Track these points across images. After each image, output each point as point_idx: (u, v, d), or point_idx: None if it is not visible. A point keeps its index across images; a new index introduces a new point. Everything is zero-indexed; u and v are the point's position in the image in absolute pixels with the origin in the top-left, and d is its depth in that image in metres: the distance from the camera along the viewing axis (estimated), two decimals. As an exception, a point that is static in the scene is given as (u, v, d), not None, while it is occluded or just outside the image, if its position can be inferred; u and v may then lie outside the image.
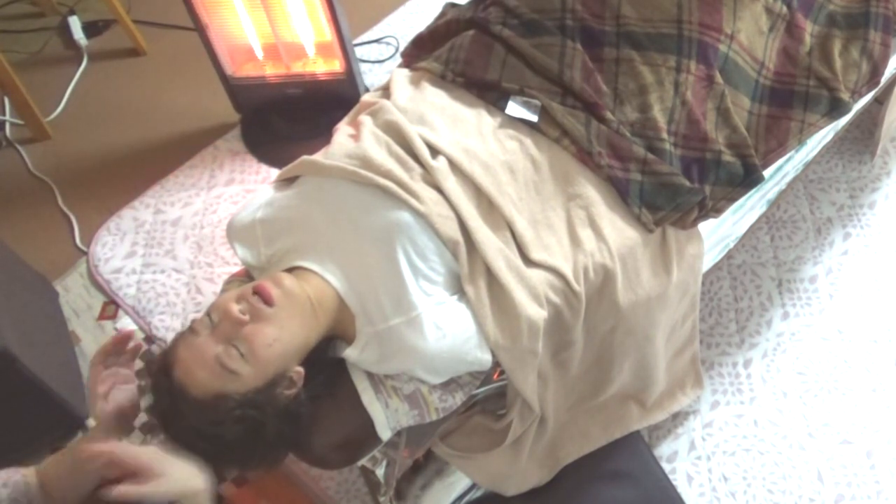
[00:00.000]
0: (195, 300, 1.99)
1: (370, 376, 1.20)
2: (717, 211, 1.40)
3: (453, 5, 1.64)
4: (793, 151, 1.52)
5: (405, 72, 1.49)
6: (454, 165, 1.27)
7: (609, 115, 1.38)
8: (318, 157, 1.30)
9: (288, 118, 2.25)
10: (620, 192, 1.34)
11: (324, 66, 2.16)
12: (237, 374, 1.07)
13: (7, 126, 2.45)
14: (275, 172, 2.17)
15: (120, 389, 1.12)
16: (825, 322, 1.85)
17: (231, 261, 2.04)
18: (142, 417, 1.11)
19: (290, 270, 1.20)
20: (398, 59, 2.09)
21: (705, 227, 1.43)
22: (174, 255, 2.08)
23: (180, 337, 1.13)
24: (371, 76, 2.44)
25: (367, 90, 2.24)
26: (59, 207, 2.23)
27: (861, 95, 1.55)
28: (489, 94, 1.39)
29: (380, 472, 1.32)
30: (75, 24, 2.66)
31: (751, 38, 1.49)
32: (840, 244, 1.98)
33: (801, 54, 1.53)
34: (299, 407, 1.14)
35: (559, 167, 1.34)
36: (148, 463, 1.02)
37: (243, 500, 1.52)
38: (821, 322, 1.85)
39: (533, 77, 1.40)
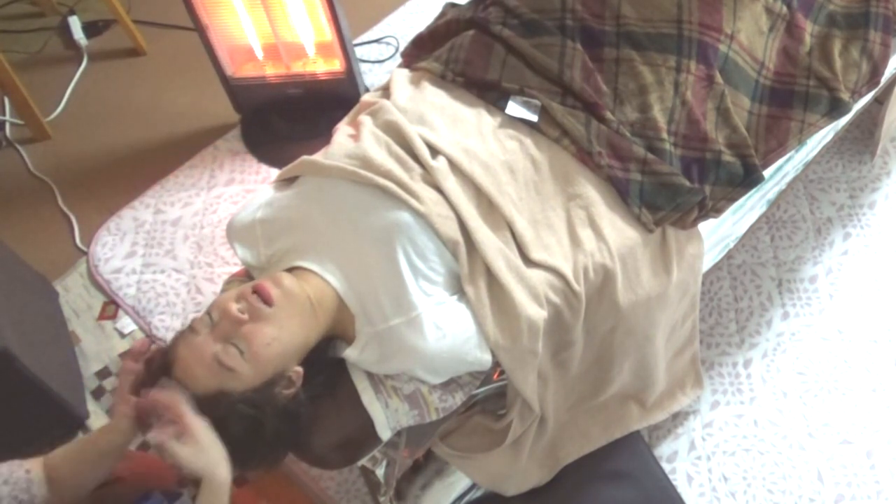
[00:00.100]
0: (195, 300, 1.99)
1: (370, 376, 1.20)
2: (717, 211, 1.40)
3: (453, 5, 1.64)
4: (793, 151, 1.52)
5: (405, 72, 1.49)
6: (454, 165, 1.27)
7: (609, 115, 1.38)
8: (317, 157, 1.30)
9: (288, 118, 2.25)
10: (620, 192, 1.34)
11: (324, 66, 2.16)
12: (235, 373, 1.07)
13: (7, 126, 2.45)
14: (275, 172, 2.17)
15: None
16: (825, 322, 1.85)
17: (231, 261, 2.05)
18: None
19: (290, 270, 1.20)
20: (398, 59, 2.09)
21: (705, 227, 1.43)
22: (174, 255, 2.08)
23: (180, 336, 1.13)
24: (371, 76, 2.44)
25: (367, 90, 2.24)
26: (59, 207, 2.23)
27: (861, 95, 1.55)
28: (489, 94, 1.39)
29: (380, 472, 1.32)
30: (75, 24, 2.66)
31: (751, 38, 1.49)
32: (840, 244, 1.98)
33: (801, 54, 1.53)
34: (298, 407, 1.14)
35: (559, 167, 1.34)
36: (197, 430, 1.04)
37: (243, 500, 1.53)
38: (821, 322, 1.85)
39: (533, 77, 1.40)
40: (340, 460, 1.22)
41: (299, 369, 1.15)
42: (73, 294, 2.04)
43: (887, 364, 1.78)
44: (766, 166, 1.46)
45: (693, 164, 1.40)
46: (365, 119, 1.35)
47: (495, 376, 1.33)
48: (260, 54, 2.15)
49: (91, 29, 2.68)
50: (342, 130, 1.37)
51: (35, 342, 1.71)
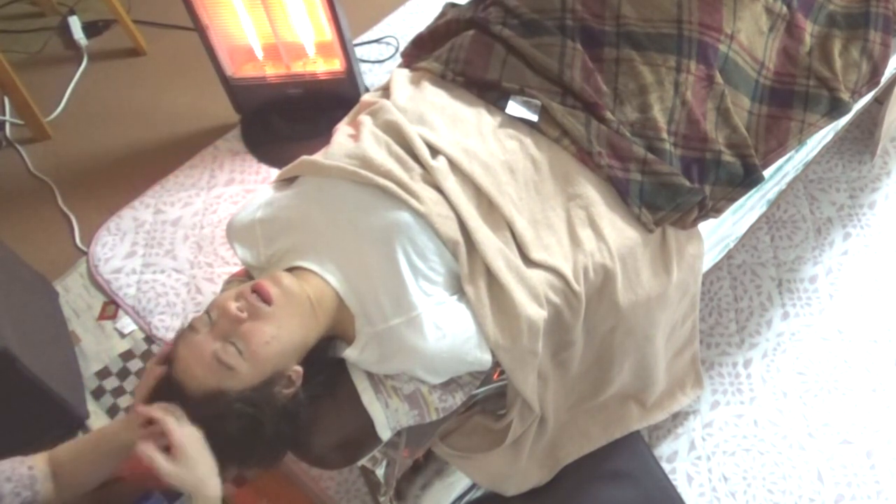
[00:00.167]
0: (195, 300, 1.99)
1: (370, 376, 1.20)
2: (717, 211, 1.40)
3: (453, 5, 1.64)
4: (793, 151, 1.52)
5: (405, 72, 1.49)
6: (454, 165, 1.27)
7: (609, 115, 1.38)
8: (317, 157, 1.30)
9: (288, 118, 2.25)
10: (620, 192, 1.34)
11: (324, 66, 2.16)
12: (234, 371, 1.07)
13: (7, 126, 2.45)
14: (275, 172, 2.17)
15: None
16: (825, 322, 1.85)
17: (231, 261, 2.05)
18: None
19: (290, 270, 1.20)
20: (398, 59, 2.09)
21: (705, 227, 1.43)
22: (174, 255, 2.08)
23: (180, 335, 1.13)
24: (371, 76, 2.44)
25: (366, 90, 2.24)
26: (59, 207, 2.23)
27: (861, 95, 1.55)
28: (489, 94, 1.39)
29: (380, 472, 1.32)
30: (75, 24, 2.66)
31: (751, 38, 1.49)
32: (840, 244, 1.98)
33: (801, 54, 1.53)
34: (298, 406, 1.14)
35: (559, 167, 1.34)
36: (187, 446, 1.03)
37: (243, 500, 1.53)
38: (821, 322, 1.85)
39: (533, 77, 1.40)
40: (340, 460, 1.22)
41: (299, 369, 1.15)
42: (73, 294, 2.04)
43: (887, 364, 1.78)
44: (766, 166, 1.46)
45: (693, 164, 1.40)
46: (365, 119, 1.35)
47: (495, 376, 1.33)
48: (260, 54, 2.15)
49: (91, 29, 2.68)
50: (342, 130, 1.37)
51: (35, 342, 1.71)
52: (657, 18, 1.43)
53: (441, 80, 1.42)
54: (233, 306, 1.09)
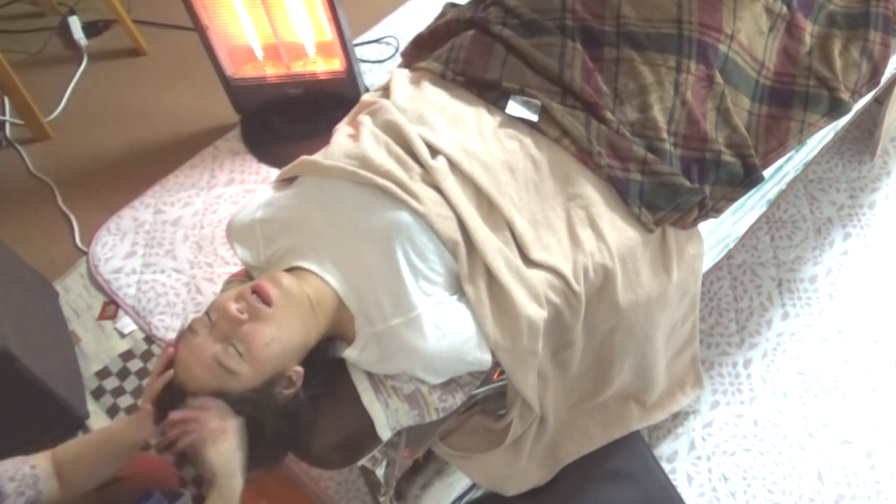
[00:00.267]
0: (195, 300, 1.99)
1: (370, 376, 1.20)
2: (716, 211, 1.40)
3: (453, 5, 1.64)
4: (793, 151, 1.52)
5: (405, 72, 1.49)
6: (454, 165, 1.27)
7: (609, 115, 1.38)
8: (317, 157, 1.30)
9: (288, 118, 2.25)
10: (620, 192, 1.34)
11: (324, 66, 2.16)
12: (235, 373, 1.07)
13: (7, 126, 2.45)
14: (275, 172, 2.17)
15: None
16: (825, 322, 1.85)
17: (231, 261, 2.05)
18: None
19: (290, 270, 1.20)
20: (398, 59, 2.09)
21: (705, 227, 1.43)
22: (174, 255, 2.08)
23: (180, 336, 1.13)
24: (371, 76, 2.44)
25: (366, 90, 2.24)
26: (59, 207, 2.23)
27: (861, 95, 1.55)
28: (489, 94, 1.39)
29: (380, 472, 1.32)
30: (75, 24, 2.66)
31: (751, 38, 1.49)
32: (840, 244, 1.98)
33: (801, 54, 1.53)
34: (298, 406, 1.15)
35: (559, 167, 1.34)
36: (234, 432, 1.04)
37: (243, 500, 1.52)
38: (821, 322, 1.85)
39: (533, 77, 1.40)
40: (340, 460, 1.22)
41: (299, 369, 1.15)
42: (73, 294, 2.04)
43: (887, 364, 1.78)
44: (766, 166, 1.46)
45: (693, 164, 1.40)
46: (364, 119, 1.35)
47: (495, 376, 1.33)
48: (260, 54, 2.15)
49: (91, 29, 2.68)
50: (342, 130, 1.37)
51: (35, 342, 1.71)
52: (657, 18, 1.43)
53: (441, 79, 1.42)
54: (233, 307, 1.09)
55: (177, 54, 2.60)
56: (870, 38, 1.55)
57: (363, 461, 1.27)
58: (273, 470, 1.21)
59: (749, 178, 1.42)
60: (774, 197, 1.62)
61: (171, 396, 1.10)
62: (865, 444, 1.68)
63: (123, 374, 1.88)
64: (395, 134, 1.30)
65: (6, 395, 1.60)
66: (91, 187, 2.27)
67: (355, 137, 1.32)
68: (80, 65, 2.60)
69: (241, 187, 2.21)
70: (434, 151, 1.28)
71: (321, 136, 1.44)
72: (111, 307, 2.00)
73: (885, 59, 1.57)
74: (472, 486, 1.58)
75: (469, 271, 1.22)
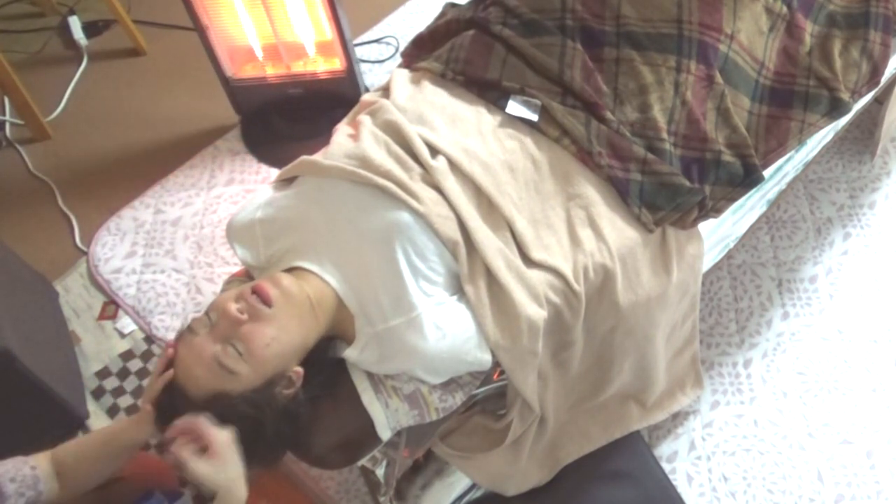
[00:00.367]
0: (195, 300, 1.99)
1: (370, 376, 1.20)
2: (716, 211, 1.40)
3: (453, 5, 1.64)
4: (793, 151, 1.52)
5: (405, 72, 1.49)
6: (454, 165, 1.27)
7: (609, 114, 1.38)
8: (317, 157, 1.30)
9: (288, 118, 2.25)
10: (620, 192, 1.34)
11: (324, 66, 2.16)
12: (235, 374, 1.07)
13: (7, 126, 2.44)
14: (275, 172, 2.17)
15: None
16: (825, 322, 1.85)
17: (231, 261, 2.04)
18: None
19: (290, 270, 1.20)
20: (398, 59, 2.09)
21: (705, 227, 1.43)
22: (174, 255, 2.08)
23: (180, 336, 1.13)
24: (371, 76, 2.44)
25: (367, 90, 2.24)
26: (59, 207, 2.23)
27: (861, 95, 1.55)
28: (489, 94, 1.39)
29: (380, 472, 1.32)
30: (75, 24, 2.66)
31: (751, 38, 1.49)
32: (840, 244, 1.98)
33: (801, 54, 1.53)
34: (298, 406, 1.14)
35: (559, 167, 1.34)
36: (222, 446, 1.04)
37: (243, 501, 1.52)
38: (821, 322, 1.85)
39: (533, 77, 1.40)
40: (341, 460, 1.22)
41: (299, 369, 1.15)
42: (73, 294, 2.04)
43: (887, 364, 1.78)
44: (766, 166, 1.46)
45: (693, 164, 1.40)
46: (364, 119, 1.35)
47: (495, 376, 1.33)
48: (260, 54, 2.15)
49: (91, 29, 2.68)
50: (341, 130, 1.37)
51: (35, 342, 1.71)
52: (657, 18, 1.43)
53: (441, 79, 1.42)
54: (233, 308, 1.09)
55: (177, 54, 2.60)
56: (870, 38, 1.55)
57: (363, 461, 1.27)
58: (273, 470, 1.21)
59: (749, 178, 1.42)
60: (774, 197, 1.62)
61: (172, 397, 1.10)
62: (865, 444, 1.68)
63: (123, 374, 1.88)
64: (395, 134, 1.30)
65: (6, 395, 1.60)
66: (91, 187, 2.27)
67: (355, 137, 1.32)
68: (80, 65, 2.60)
69: (241, 187, 2.21)
70: (434, 151, 1.28)
71: (321, 136, 1.44)
72: (111, 307, 2.00)
73: (885, 59, 1.57)
74: (472, 486, 1.58)
75: (469, 271, 1.22)
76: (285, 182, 1.35)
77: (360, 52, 2.50)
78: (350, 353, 1.18)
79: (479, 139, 1.32)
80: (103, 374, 1.88)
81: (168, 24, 2.66)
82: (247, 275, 1.33)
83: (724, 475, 1.67)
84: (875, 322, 1.84)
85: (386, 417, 1.19)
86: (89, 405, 1.83)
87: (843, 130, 1.73)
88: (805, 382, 1.77)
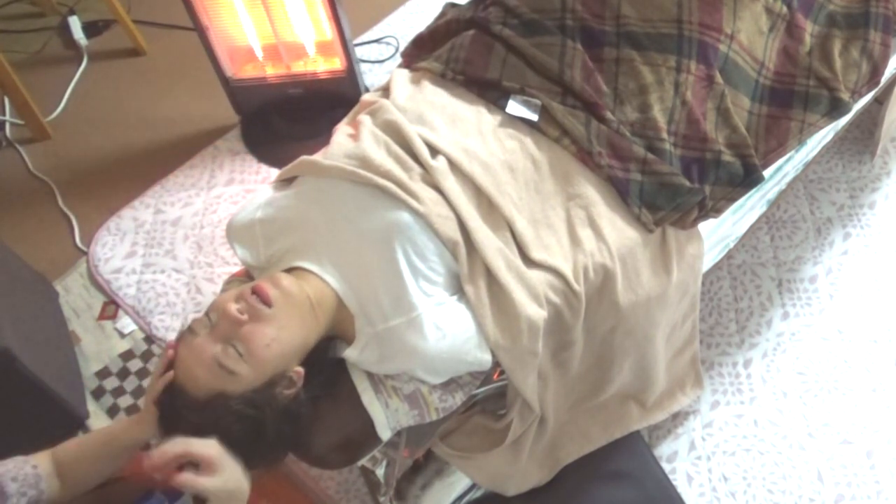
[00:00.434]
0: (195, 300, 1.99)
1: (370, 376, 1.20)
2: (716, 211, 1.40)
3: (453, 5, 1.64)
4: (793, 151, 1.52)
5: (405, 72, 1.49)
6: (454, 165, 1.27)
7: (609, 114, 1.38)
8: (317, 157, 1.30)
9: (288, 118, 2.25)
10: (620, 192, 1.34)
11: (324, 65, 2.16)
12: (235, 374, 1.07)
13: (7, 126, 2.45)
14: (275, 172, 2.17)
15: None
16: (825, 322, 1.85)
17: (231, 261, 2.04)
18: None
19: (290, 270, 1.20)
20: (398, 59, 2.09)
21: (705, 227, 1.43)
22: (174, 255, 2.08)
23: (180, 337, 1.13)
24: (371, 76, 2.44)
25: (367, 90, 2.24)
26: (59, 207, 2.23)
27: (861, 95, 1.55)
28: (489, 93, 1.39)
29: (380, 472, 1.32)
30: (75, 24, 2.66)
31: (751, 38, 1.49)
32: (840, 244, 1.98)
33: (801, 54, 1.53)
34: (299, 407, 1.14)
35: (559, 167, 1.34)
36: (215, 458, 1.04)
37: (243, 500, 1.52)
38: (821, 322, 1.85)
39: (533, 76, 1.40)
40: (341, 460, 1.22)
41: (300, 369, 1.15)
42: (73, 294, 2.04)
43: (887, 364, 1.78)
44: (766, 166, 1.46)
45: (693, 164, 1.40)
46: (364, 119, 1.35)
47: (495, 376, 1.33)
48: (260, 54, 2.15)
49: (91, 29, 2.68)
50: (341, 130, 1.37)
51: (35, 342, 1.71)
52: (657, 18, 1.43)
53: (441, 79, 1.42)
54: (233, 308, 1.09)
55: (177, 54, 2.60)
56: (870, 38, 1.55)
57: (363, 461, 1.27)
58: (273, 470, 1.21)
59: (749, 178, 1.42)
60: (774, 197, 1.62)
61: (172, 397, 1.10)
62: (865, 444, 1.68)
63: (123, 374, 1.88)
64: (395, 134, 1.30)
65: (6, 395, 1.60)
66: (91, 187, 2.27)
67: (355, 137, 1.32)
68: (80, 65, 2.60)
69: (241, 187, 2.21)
70: (434, 151, 1.28)
71: (321, 136, 1.44)
72: (111, 307, 2.00)
73: (885, 59, 1.57)
74: (472, 486, 1.58)
75: (469, 271, 1.22)
76: (285, 182, 1.35)
77: (360, 52, 2.50)
78: (350, 353, 1.18)
79: (479, 139, 1.32)
80: (103, 374, 1.88)
81: (168, 24, 2.67)
82: (247, 275, 1.33)
83: (724, 475, 1.67)
84: (875, 322, 1.84)
85: (386, 417, 1.19)
86: (89, 405, 1.83)
87: (843, 130, 1.73)
88: (805, 382, 1.77)
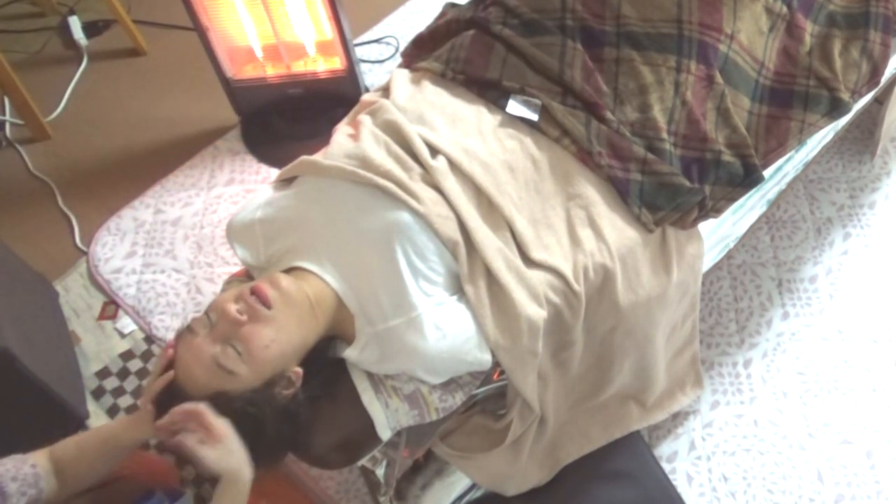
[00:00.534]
0: (195, 300, 1.99)
1: (370, 376, 1.20)
2: (716, 211, 1.40)
3: (453, 5, 1.64)
4: (793, 151, 1.52)
5: (405, 72, 1.49)
6: (454, 165, 1.27)
7: (609, 114, 1.38)
8: (317, 157, 1.30)
9: (288, 118, 2.25)
10: (620, 192, 1.34)
11: (324, 65, 2.16)
12: (234, 374, 1.07)
13: (7, 126, 2.45)
14: (275, 172, 2.17)
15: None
16: (825, 322, 1.85)
17: (231, 261, 2.04)
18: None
19: (290, 270, 1.20)
20: (398, 59, 2.09)
21: (705, 227, 1.43)
22: (174, 255, 2.08)
23: (179, 336, 1.13)
24: (371, 76, 2.44)
25: (367, 90, 2.24)
26: (59, 207, 2.23)
27: (861, 95, 1.55)
28: (489, 93, 1.39)
29: (380, 472, 1.32)
30: (75, 24, 2.66)
31: (751, 38, 1.49)
32: (840, 244, 1.98)
33: (801, 54, 1.53)
34: (298, 407, 1.14)
35: (559, 167, 1.34)
36: (224, 432, 1.05)
37: (243, 500, 1.52)
38: (821, 322, 1.85)
39: (533, 76, 1.40)
40: (341, 460, 1.22)
41: (299, 370, 1.15)
42: (73, 294, 2.04)
43: (887, 364, 1.78)
44: (766, 166, 1.46)
45: (693, 164, 1.40)
46: (364, 119, 1.35)
47: (495, 376, 1.33)
48: (260, 54, 2.15)
49: (91, 29, 2.68)
50: (341, 130, 1.37)
51: (35, 342, 1.71)
52: (657, 18, 1.43)
53: (441, 79, 1.42)
54: (232, 308, 1.09)
55: (177, 55, 2.60)
56: (870, 38, 1.55)
57: (363, 461, 1.27)
58: (273, 470, 1.21)
59: (749, 178, 1.42)
60: (774, 197, 1.62)
61: (171, 397, 1.10)
62: (865, 444, 1.68)
63: (123, 374, 1.88)
64: (395, 134, 1.30)
65: (6, 395, 1.60)
66: (91, 187, 2.27)
67: (355, 137, 1.32)
68: (80, 65, 2.60)
69: (241, 187, 2.21)
70: (434, 151, 1.28)
71: (321, 136, 1.44)
72: (111, 307, 2.00)
73: (885, 59, 1.57)
74: (472, 486, 1.58)
75: (469, 271, 1.22)
76: (285, 182, 1.35)
77: (360, 52, 2.50)
78: (350, 353, 1.18)
79: (479, 139, 1.32)
80: (103, 374, 1.88)
81: (168, 25, 2.66)
82: (247, 275, 1.33)
83: (724, 475, 1.67)
84: (875, 322, 1.84)
85: (386, 417, 1.19)
86: (89, 405, 1.83)
87: (843, 130, 1.73)
88: (805, 382, 1.77)
